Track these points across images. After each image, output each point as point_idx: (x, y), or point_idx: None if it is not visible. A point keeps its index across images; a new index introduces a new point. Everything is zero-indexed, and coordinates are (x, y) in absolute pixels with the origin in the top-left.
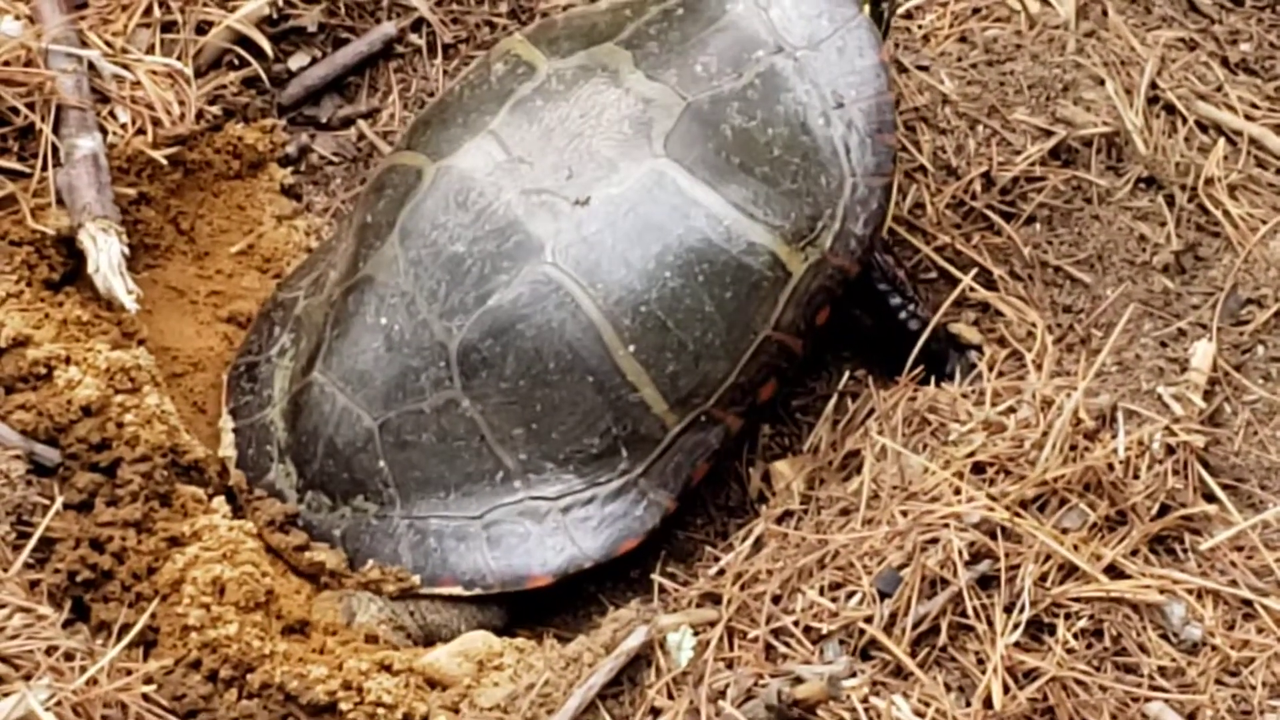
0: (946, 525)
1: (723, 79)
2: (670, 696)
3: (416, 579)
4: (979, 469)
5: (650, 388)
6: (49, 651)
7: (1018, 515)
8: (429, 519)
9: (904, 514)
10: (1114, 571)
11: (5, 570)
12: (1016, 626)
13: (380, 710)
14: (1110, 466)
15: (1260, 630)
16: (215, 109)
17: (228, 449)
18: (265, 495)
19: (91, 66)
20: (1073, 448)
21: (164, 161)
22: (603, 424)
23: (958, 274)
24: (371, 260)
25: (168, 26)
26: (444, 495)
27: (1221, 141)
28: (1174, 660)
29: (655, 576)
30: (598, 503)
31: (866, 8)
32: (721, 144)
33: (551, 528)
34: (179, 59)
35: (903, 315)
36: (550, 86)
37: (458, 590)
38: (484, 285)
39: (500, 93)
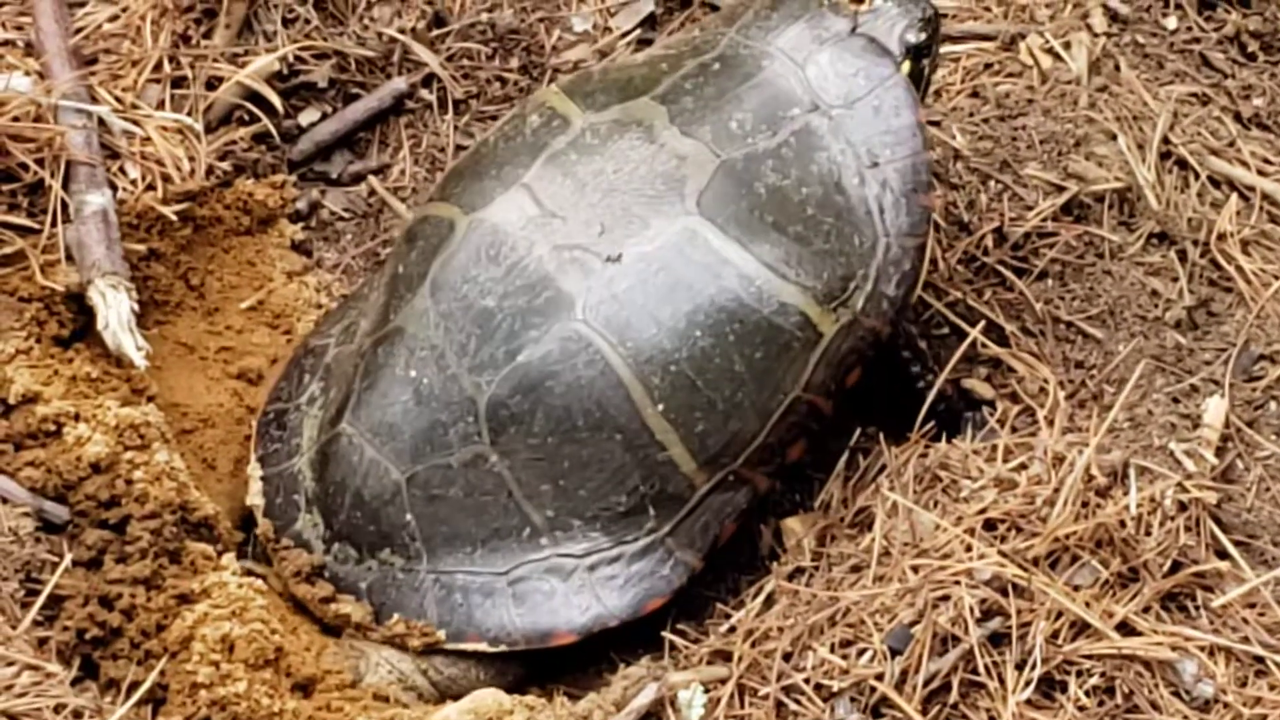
0: (958, 582)
1: (757, 136)
2: None
3: (442, 634)
4: (990, 526)
5: (679, 446)
6: (57, 709)
7: (1029, 572)
8: (455, 574)
9: (915, 571)
10: (1126, 628)
11: (14, 628)
12: (1028, 684)
13: None
14: (1122, 523)
15: (1272, 687)
16: (225, 165)
17: (256, 497)
18: (292, 545)
19: (101, 122)
20: (1084, 504)
21: (174, 217)
22: (631, 482)
23: (969, 330)
24: (402, 312)
25: (178, 82)
26: (471, 550)
27: (1234, 197)
28: (1186, 718)
29: (666, 633)
30: (624, 561)
31: (905, 65)
32: (755, 202)
33: (578, 586)
34: (189, 114)
35: (920, 385)
36: (585, 140)
37: (483, 647)
38: (514, 341)
39: (534, 145)
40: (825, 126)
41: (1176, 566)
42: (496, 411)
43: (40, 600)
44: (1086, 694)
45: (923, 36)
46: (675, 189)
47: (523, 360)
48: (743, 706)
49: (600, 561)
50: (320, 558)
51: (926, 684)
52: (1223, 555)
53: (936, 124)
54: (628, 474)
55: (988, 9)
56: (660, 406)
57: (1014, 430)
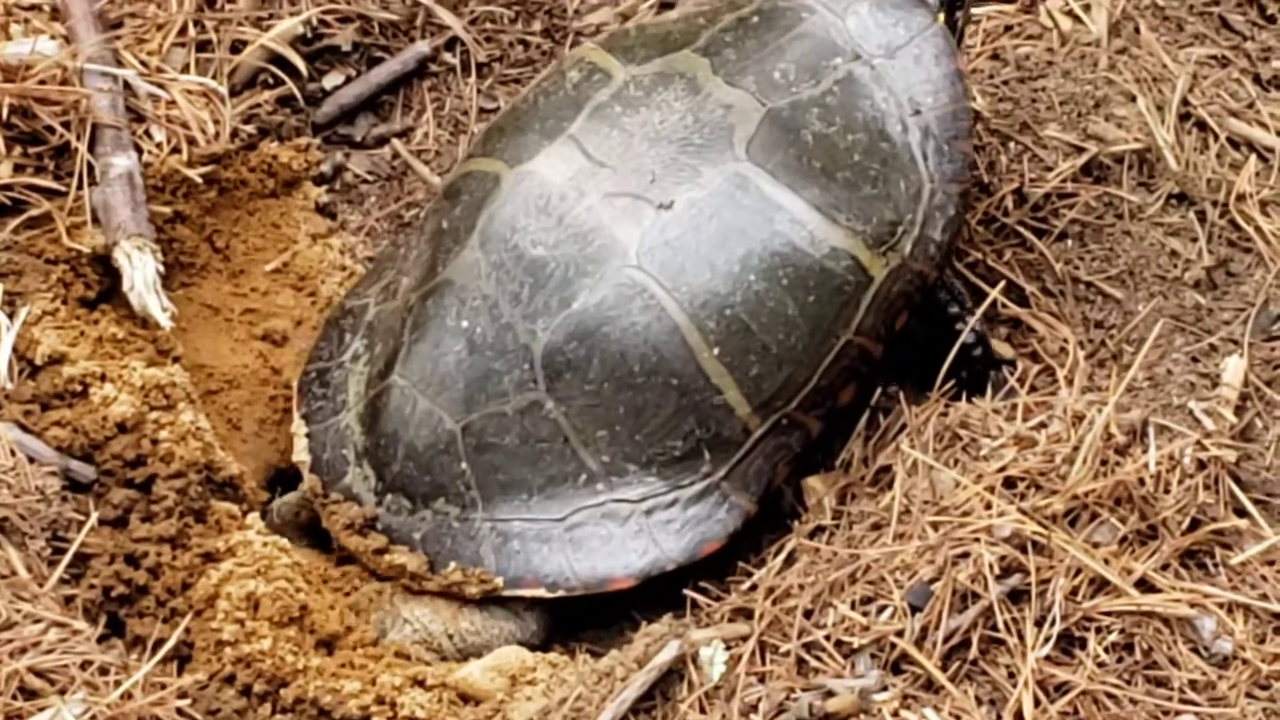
0: (977, 539)
1: (801, 86)
2: (702, 711)
3: (499, 581)
4: (1010, 483)
5: (734, 390)
6: (84, 666)
7: (1049, 529)
8: (511, 521)
9: (935, 528)
10: (1145, 585)
11: (41, 585)
12: (1047, 640)
13: None
14: (1141, 481)
15: None
16: (250, 128)
17: (302, 454)
18: (342, 499)
19: (127, 85)
20: (1104, 462)
21: (199, 180)
22: (686, 426)
23: (989, 290)
24: (451, 265)
25: (202, 45)
26: (526, 497)
27: (1253, 158)
28: (1205, 674)
29: (687, 591)
30: (680, 505)
31: (941, 16)
32: (802, 149)
33: (634, 530)
34: (214, 78)
35: (958, 326)
36: (629, 93)
37: (541, 592)
38: (568, 288)
39: (577, 99)
40: (868, 75)
41: (1195, 524)
42: (552, 358)
43: (67, 558)
44: (1106, 650)
45: None
46: (723, 137)
47: (577, 307)
48: (764, 663)
49: (656, 506)
50: (372, 510)
51: (946, 640)
52: (1241, 513)
53: None
54: (683, 418)
55: None
56: (715, 351)
57: (1034, 389)
